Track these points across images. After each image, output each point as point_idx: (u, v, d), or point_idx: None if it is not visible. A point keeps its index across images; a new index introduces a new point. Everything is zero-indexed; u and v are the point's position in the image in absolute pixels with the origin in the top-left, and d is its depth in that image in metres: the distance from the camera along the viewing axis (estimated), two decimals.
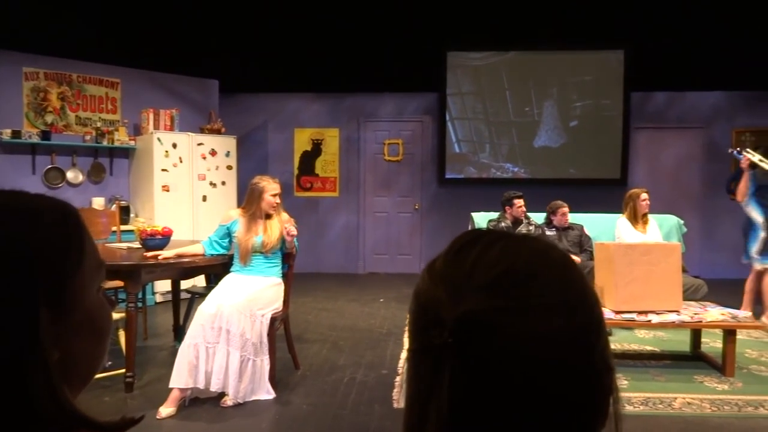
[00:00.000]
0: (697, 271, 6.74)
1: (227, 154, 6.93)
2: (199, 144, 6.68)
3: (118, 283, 4.25)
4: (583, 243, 5.68)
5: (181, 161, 6.51)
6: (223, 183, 6.88)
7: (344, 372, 4.08)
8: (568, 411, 0.52)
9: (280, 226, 3.82)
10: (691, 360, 4.42)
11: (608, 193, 7.43)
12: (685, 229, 6.14)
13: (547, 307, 0.53)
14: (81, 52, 6.35)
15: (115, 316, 3.76)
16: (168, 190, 6.41)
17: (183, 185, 6.53)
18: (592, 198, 7.27)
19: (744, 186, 5.09)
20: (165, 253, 3.78)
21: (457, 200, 8.01)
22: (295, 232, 3.82)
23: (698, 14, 6.74)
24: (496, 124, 8.15)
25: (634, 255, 4.17)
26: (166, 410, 3.33)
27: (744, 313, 4.24)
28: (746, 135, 8.03)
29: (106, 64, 6.60)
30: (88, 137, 6.41)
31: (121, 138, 6.57)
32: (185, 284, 4.95)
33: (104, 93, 6.64)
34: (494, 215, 5.87)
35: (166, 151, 6.39)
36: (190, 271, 4.14)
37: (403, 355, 4.45)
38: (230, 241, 3.90)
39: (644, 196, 5.42)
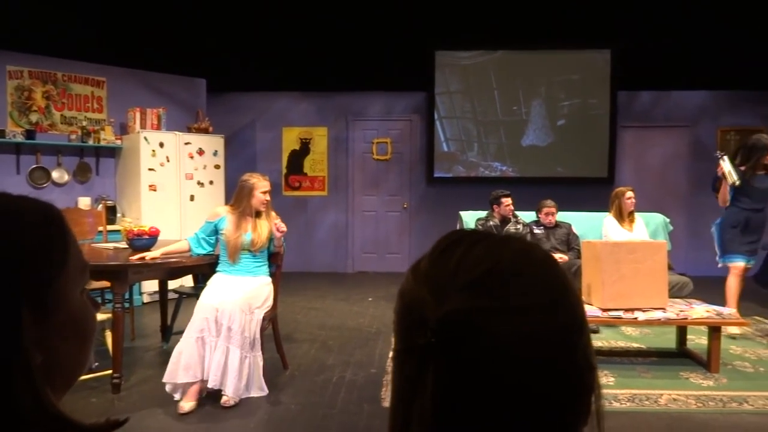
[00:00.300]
0: (683, 269, 6.80)
1: (215, 153, 6.90)
2: (187, 143, 6.64)
3: (105, 283, 4.23)
4: (571, 241, 5.72)
5: (168, 160, 6.47)
6: (211, 182, 6.85)
7: (333, 371, 4.08)
8: (551, 409, 0.53)
9: (269, 224, 3.81)
10: (677, 357, 4.46)
11: (595, 191, 7.48)
12: (671, 227, 6.20)
13: (530, 307, 0.53)
14: (66, 51, 6.28)
15: (102, 316, 3.74)
16: (155, 190, 6.37)
17: (170, 185, 6.49)
18: (580, 196, 7.32)
19: (725, 192, 4.94)
20: (151, 254, 3.75)
21: (446, 199, 8.03)
22: (284, 228, 3.82)
23: (684, 15, 6.81)
24: (485, 123, 8.17)
25: (620, 253, 4.21)
26: (188, 404, 3.35)
27: (729, 311, 4.29)
28: (731, 134, 8.12)
29: (91, 63, 6.54)
30: (73, 136, 6.35)
31: (108, 137, 6.51)
32: (173, 284, 4.92)
33: (90, 92, 6.58)
34: (483, 214, 5.89)
35: (153, 151, 6.35)
36: (178, 271, 4.12)
37: (392, 354, 4.45)
38: (217, 239, 3.86)
39: (629, 194, 5.47)
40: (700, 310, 4.19)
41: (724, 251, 5.02)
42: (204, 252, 3.86)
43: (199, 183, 6.72)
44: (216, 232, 3.84)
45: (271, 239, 3.85)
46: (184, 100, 7.32)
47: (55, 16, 5.79)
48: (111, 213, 6.20)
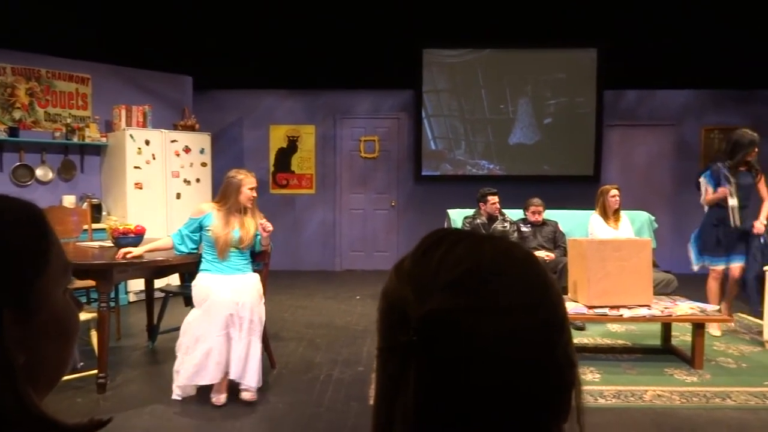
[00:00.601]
0: (668, 266, 6.86)
1: (201, 151, 6.86)
2: (173, 141, 6.60)
3: (90, 282, 4.19)
4: (557, 239, 5.76)
5: (154, 158, 6.42)
6: (198, 180, 6.81)
7: (321, 370, 4.08)
8: (532, 406, 0.54)
9: (255, 221, 3.79)
10: (662, 353, 4.51)
11: (582, 189, 7.53)
12: (656, 225, 6.27)
13: (511, 306, 0.54)
14: (50, 47, 6.21)
15: (87, 316, 3.70)
16: (141, 188, 6.32)
17: (156, 183, 6.44)
18: (566, 194, 7.37)
19: (715, 199, 4.78)
20: (135, 251, 3.72)
21: (434, 197, 8.05)
22: (271, 228, 3.81)
23: (669, 15, 6.87)
24: (472, 122, 8.20)
25: (606, 251, 4.25)
26: (223, 396, 3.42)
27: (712, 307, 4.34)
28: (714, 133, 8.21)
29: (76, 60, 6.47)
30: (57, 134, 6.28)
31: (92, 135, 6.44)
32: (159, 283, 4.89)
33: (74, 89, 6.51)
34: (470, 212, 5.92)
35: (139, 148, 6.30)
36: (164, 270, 4.10)
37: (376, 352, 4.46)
38: (200, 237, 3.81)
39: (614, 192, 5.52)
40: (684, 307, 4.24)
41: (702, 250, 4.88)
42: (187, 250, 3.80)
43: (185, 181, 6.68)
44: (200, 229, 3.77)
45: (257, 237, 3.83)
46: (170, 98, 7.27)
47: (38, 11, 5.73)
48: (96, 211, 6.15)
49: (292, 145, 8.43)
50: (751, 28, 6.76)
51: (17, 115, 6.14)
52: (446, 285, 0.54)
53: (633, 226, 5.74)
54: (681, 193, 8.20)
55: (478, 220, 5.73)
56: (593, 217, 5.56)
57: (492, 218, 5.72)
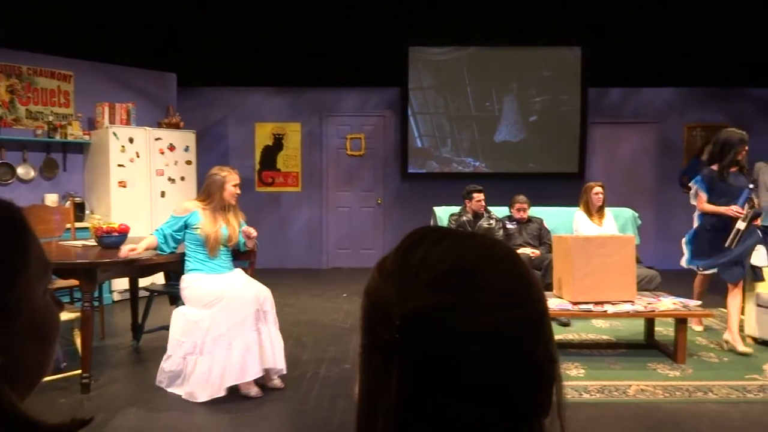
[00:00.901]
0: (651, 262, 6.94)
1: (186, 149, 6.81)
2: (157, 139, 6.54)
3: (73, 282, 4.15)
4: (543, 236, 5.80)
5: (138, 156, 6.36)
6: (183, 178, 6.76)
7: (307, 367, 4.07)
8: (513, 402, 0.54)
9: (238, 219, 3.80)
10: (646, 348, 4.57)
11: (566, 186, 7.59)
12: (639, 222, 6.33)
13: (492, 302, 0.54)
14: (31, 43, 6.12)
15: (71, 315, 3.67)
16: (125, 186, 6.26)
17: (140, 181, 6.38)
18: (551, 191, 7.41)
19: (714, 210, 4.50)
20: (137, 248, 3.64)
21: (420, 194, 8.06)
22: (255, 233, 3.84)
23: (652, 14, 6.94)
24: (458, 119, 8.22)
25: (590, 247, 4.29)
26: (256, 389, 3.49)
27: (694, 302, 4.40)
28: (697, 130, 8.30)
29: (58, 56, 6.39)
30: (39, 131, 6.20)
31: (75, 132, 6.37)
32: (144, 282, 4.85)
33: (56, 86, 6.43)
34: (456, 209, 5.94)
35: (123, 146, 6.24)
36: (149, 269, 4.06)
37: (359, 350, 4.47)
38: (183, 235, 3.76)
39: (597, 189, 5.56)
40: (667, 302, 4.29)
41: (696, 255, 4.66)
42: (169, 250, 3.75)
43: (170, 179, 6.63)
44: (185, 228, 3.72)
45: (240, 235, 3.84)
46: (154, 95, 7.20)
47: (19, 7, 5.64)
48: (79, 210, 6.08)
49: (277, 143, 8.40)
50: (732, 27, 6.84)
51: None
52: (428, 283, 0.54)
53: (617, 222, 5.80)
54: (664, 190, 8.29)
55: (464, 218, 5.75)
56: (578, 214, 5.60)
57: (477, 215, 5.74)
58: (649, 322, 4.66)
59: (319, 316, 5.62)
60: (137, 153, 6.36)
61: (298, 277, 7.71)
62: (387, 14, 7.09)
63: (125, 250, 3.61)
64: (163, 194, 6.56)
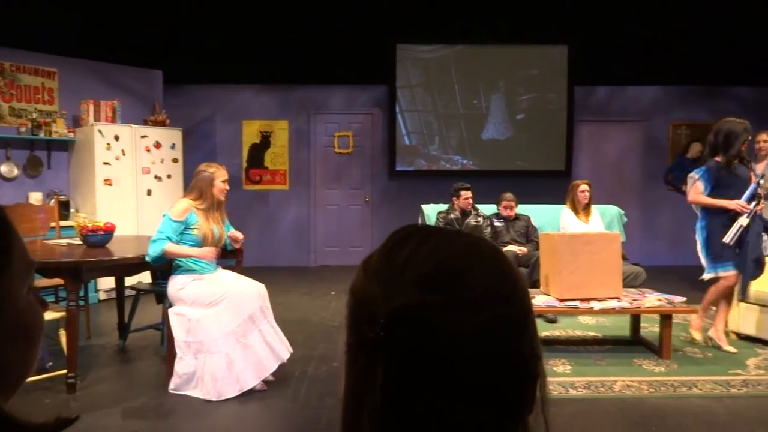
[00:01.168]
0: (637, 259, 7.01)
1: (172, 147, 6.76)
2: (143, 136, 6.49)
3: (59, 281, 4.11)
4: (530, 233, 5.84)
5: (124, 154, 6.31)
6: (169, 176, 6.71)
7: (295, 365, 4.06)
8: (498, 398, 0.55)
9: (223, 217, 3.83)
10: (631, 344, 4.61)
11: (553, 184, 7.63)
12: (625, 219, 6.39)
13: (477, 300, 0.54)
14: (14, 40, 6.04)
15: (56, 315, 3.63)
16: (110, 184, 6.21)
17: (126, 179, 6.33)
18: (538, 189, 7.45)
19: (714, 203, 4.21)
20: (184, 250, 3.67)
21: (408, 192, 8.07)
22: (241, 238, 3.86)
23: (638, 12, 6.99)
24: (445, 117, 8.23)
25: (577, 245, 4.32)
26: (261, 382, 3.53)
27: (679, 299, 4.44)
28: (682, 128, 8.39)
29: (41, 53, 6.31)
30: (23, 129, 6.13)
31: (59, 130, 6.30)
32: (130, 281, 4.82)
33: (40, 83, 6.35)
34: (444, 207, 5.96)
35: (108, 144, 6.18)
36: (135, 268, 4.02)
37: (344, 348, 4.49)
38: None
39: (583, 187, 5.60)
40: (652, 298, 4.33)
41: (715, 257, 4.25)
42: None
43: (156, 177, 6.58)
44: (185, 229, 3.65)
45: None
46: (140, 92, 7.14)
47: (1, 2, 5.56)
48: (64, 208, 6.01)
49: (265, 141, 8.36)
50: (717, 26, 6.91)
51: None
52: (413, 281, 0.54)
53: (603, 220, 5.84)
54: (650, 188, 8.38)
55: (452, 215, 5.77)
56: (564, 211, 5.64)
57: (465, 213, 5.76)
58: (635, 319, 4.70)
59: (308, 313, 5.61)
60: (123, 151, 6.30)
61: (287, 275, 7.69)
62: (375, 12, 7.08)
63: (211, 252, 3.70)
64: (149, 192, 6.51)
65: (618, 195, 7.93)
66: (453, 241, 0.58)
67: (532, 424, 0.58)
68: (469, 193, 5.73)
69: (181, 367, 3.50)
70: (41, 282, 4.18)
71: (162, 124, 6.81)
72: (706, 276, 4.36)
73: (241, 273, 3.97)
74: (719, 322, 4.47)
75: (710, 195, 4.23)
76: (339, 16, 7.00)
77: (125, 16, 6.34)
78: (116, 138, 6.25)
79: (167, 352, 3.73)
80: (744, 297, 4.53)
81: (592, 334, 4.90)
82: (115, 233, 4.09)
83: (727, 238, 4.16)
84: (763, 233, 4.32)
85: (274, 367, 3.59)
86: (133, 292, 4.61)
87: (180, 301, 3.60)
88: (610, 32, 7.31)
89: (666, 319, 4.20)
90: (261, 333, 3.57)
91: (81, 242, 4.05)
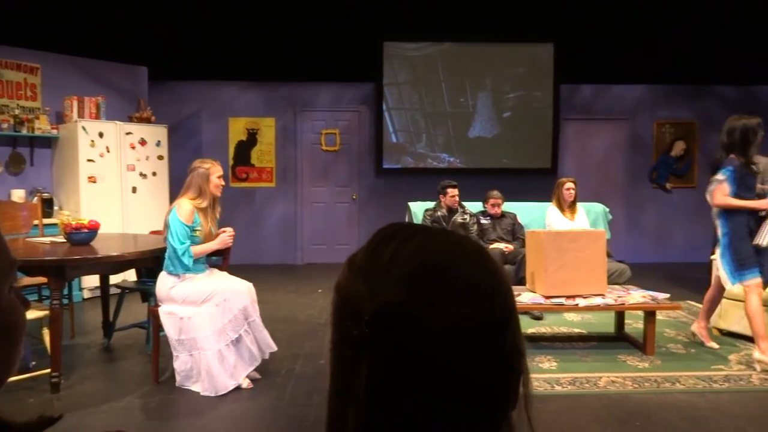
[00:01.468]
0: (622, 256, 7.07)
1: (158, 144, 6.71)
2: (128, 133, 6.43)
3: (42, 279, 4.06)
4: (516, 231, 5.87)
5: (108, 151, 6.25)
6: (154, 174, 6.66)
7: (282, 363, 4.06)
8: (481, 395, 0.55)
9: (215, 215, 3.79)
10: (616, 340, 4.65)
11: (539, 182, 7.68)
12: (610, 217, 6.44)
13: (461, 297, 0.55)
14: None
15: (39, 313, 3.59)
16: (95, 182, 6.15)
17: (111, 176, 6.27)
18: (525, 187, 7.50)
19: (738, 205, 3.96)
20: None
21: (395, 190, 8.08)
22: (231, 241, 3.82)
23: (623, 11, 7.04)
24: (432, 115, 8.24)
25: (562, 242, 4.35)
26: (246, 381, 3.57)
27: (663, 295, 4.48)
28: (666, 127, 8.47)
29: (24, 48, 6.22)
30: (5, 125, 6.04)
31: (42, 126, 6.22)
32: (115, 279, 4.77)
33: (23, 79, 6.27)
34: (431, 204, 5.97)
35: (92, 141, 6.12)
36: (120, 266, 3.99)
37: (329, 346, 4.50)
38: None
39: (569, 185, 5.64)
40: (636, 295, 4.37)
41: (740, 266, 3.96)
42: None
43: (141, 174, 6.53)
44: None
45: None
46: (125, 89, 7.08)
47: None
48: (47, 206, 5.95)
49: (251, 138, 8.32)
50: (701, 26, 6.98)
51: None
52: (398, 279, 0.55)
53: (588, 217, 5.89)
54: (635, 186, 8.46)
55: (439, 213, 5.78)
56: (550, 209, 5.68)
57: (452, 210, 5.78)
58: (620, 315, 4.75)
59: (294, 311, 5.60)
60: (107, 148, 6.24)
61: (273, 272, 7.66)
62: (361, 9, 7.06)
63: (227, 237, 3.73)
64: (134, 190, 6.46)
65: (603, 193, 8.00)
66: (437, 239, 0.59)
67: (515, 420, 0.58)
68: (455, 191, 5.75)
69: (178, 364, 3.54)
70: (24, 280, 4.14)
71: (147, 120, 6.75)
72: (734, 287, 4.09)
73: (228, 270, 3.96)
74: (703, 318, 4.52)
75: (735, 196, 3.97)
76: (326, 14, 6.98)
77: (110, 11, 6.27)
78: (100, 135, 6.19)
79: (153, 351, 3.71)
80: None
81: (577, 330, 4.94)
82: (100, 231, 4.05)
83: (763, 240, 3.90)
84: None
85: (258, 361, 3.66)
86: (118, 291, 4.57)
87: (170, 300, 3.57)
88: (595, 31, 7.36)
89: (650, 315, 4.24)
90: (250, 327, 3.61)
91: (65, 240, 4.01)
